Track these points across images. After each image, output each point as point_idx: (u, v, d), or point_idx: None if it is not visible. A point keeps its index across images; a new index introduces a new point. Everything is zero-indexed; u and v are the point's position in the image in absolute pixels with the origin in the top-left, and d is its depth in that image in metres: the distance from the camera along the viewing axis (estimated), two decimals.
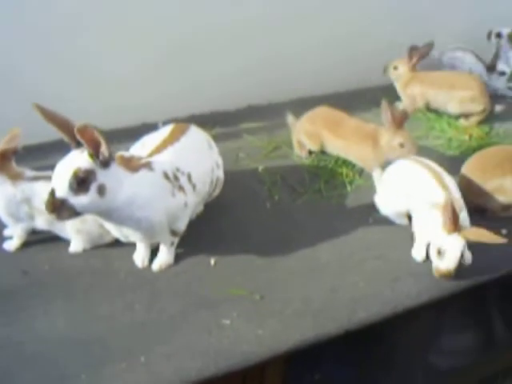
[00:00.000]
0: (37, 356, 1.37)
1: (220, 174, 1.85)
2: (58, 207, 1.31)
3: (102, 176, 1.35)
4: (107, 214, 1.45)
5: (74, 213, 1.34)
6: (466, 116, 2.58)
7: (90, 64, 2.20)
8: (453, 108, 2.57)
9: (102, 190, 1.35)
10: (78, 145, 1.35)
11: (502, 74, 2.86)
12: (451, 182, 1.77)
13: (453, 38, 2.89)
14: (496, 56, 2.86)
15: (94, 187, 1.34)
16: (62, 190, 1.31)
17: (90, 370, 1.34)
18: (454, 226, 1.57)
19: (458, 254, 1.56)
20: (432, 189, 1.72)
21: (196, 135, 1.80)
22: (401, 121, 1.98)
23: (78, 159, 1.34)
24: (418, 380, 2.25)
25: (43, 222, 1.68)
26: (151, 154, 1.60)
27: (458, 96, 2.54)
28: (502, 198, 1.89)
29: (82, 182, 1.32)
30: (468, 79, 2.61)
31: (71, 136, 1.34)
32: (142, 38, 2.25)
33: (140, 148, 1.69)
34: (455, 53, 2.90)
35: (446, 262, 1.58)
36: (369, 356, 2.07)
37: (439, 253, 1.58)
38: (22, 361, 1.36)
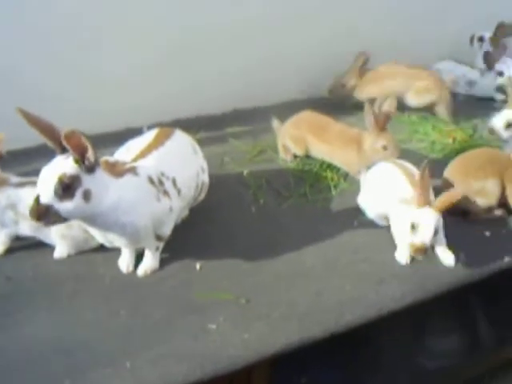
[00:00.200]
0: (21, 362, 1.36)
1: (205, 178, 1.85)
2: (43, 213, 1.30)
3: (87, 181, 1.35)
4: (92, 220, 1.44)
5: (59, 219, 1.33)
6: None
7: (76, 64, 2.20)
8: (411, 99, 2.61)
9: (87, 196, 1.34)
10: (63, 150, 1.35)
11: (501, 74, 2.89)
12: None
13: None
14: (487, 58, 2.88)
15: (79, 193, 1.33)
16: (47, 195, 1.31)
17: (75, 375, 1.33)
18: (425, 199, 1.59)
19: (432, 227, 1.57)
20: (402, 186, 1.74)
21: (181, 139, 1.80)
22: (383, 123, 2.00)
23: (63, 165, 1.33)
24: (404, 382, 2.25)
25: (28, 227, 1.67)
26: (136, 159, 1.59)
27: (414, 86, 2.59)
28: (484, 201, 1.91)
29: (67, 187, 1.31)
30: (420, 70, 2.66)
31: (56, 141, 1.33)
32: (129, 42, 2.26)
33: (125, 152, 1.69)
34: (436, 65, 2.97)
35: (420, 236, 1.58)
36: (355, 359, 2.08)
37: (413, 227, 1.58)
38: (6, 367, 1.35)
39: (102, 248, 1.68)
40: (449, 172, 1.99)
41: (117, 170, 1.46)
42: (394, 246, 1.78)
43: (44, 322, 1.48)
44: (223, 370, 1.38)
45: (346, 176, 2.18)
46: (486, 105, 2.84)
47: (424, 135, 2.52)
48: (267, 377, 1.66)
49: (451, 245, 1.72)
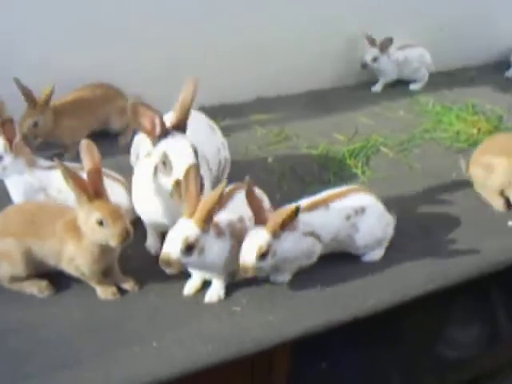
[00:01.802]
0: (50, 340, 1.40)
1: (227, 154, 1.87)
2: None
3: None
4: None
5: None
6: None
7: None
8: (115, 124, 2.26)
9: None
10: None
11: None
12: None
13: None
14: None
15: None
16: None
17: (103, 353, 1.37)
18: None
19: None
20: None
21: (197, 121, 1.78)
22: (95, 186, 1.42)
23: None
24: (424, 370, 2.27)
25: None
26: None
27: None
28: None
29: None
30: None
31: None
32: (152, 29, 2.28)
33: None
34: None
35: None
36: (375, 345, 2.10)
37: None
38: (36, 344, 1.39)
39: None
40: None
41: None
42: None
43: (72, 302, 1.52)
44: (247, 351, 1.41)
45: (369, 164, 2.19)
46: None
47: (448, 125, 2.51)
48: (288, 360, 1.68)
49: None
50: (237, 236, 1.50)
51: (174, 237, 1.39)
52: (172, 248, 1.38)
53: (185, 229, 1.39)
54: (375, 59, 2.75)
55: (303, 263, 1.59)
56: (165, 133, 1.49)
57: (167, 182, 1.47)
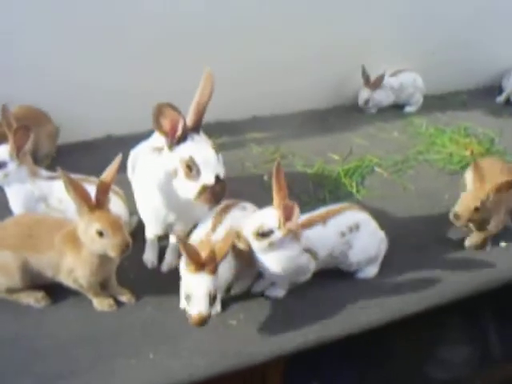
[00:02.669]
0: (48, 349, 1.41)
1: None
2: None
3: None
4: None
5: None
6: None
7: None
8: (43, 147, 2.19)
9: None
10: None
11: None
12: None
13: None
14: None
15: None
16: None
17: (100, 364, 1.38)
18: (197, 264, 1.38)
19: (205, 296, 1.37)
20: None
21: None
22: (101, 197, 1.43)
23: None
24: None
25: None
26: None
27: None
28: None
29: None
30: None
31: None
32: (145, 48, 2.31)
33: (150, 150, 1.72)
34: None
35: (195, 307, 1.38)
36: (366, 365, 2.11)
37: (188, 298, 1.39)
38: (34, 354, 1.40)
39: None
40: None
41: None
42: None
43: (69, 313, 1.53)
44: (243, 365, 1.43)
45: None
46: None
47: (442, 147, 2.56)
48: (281, 377, 1.69)
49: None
50: (237, 255, 1.53)
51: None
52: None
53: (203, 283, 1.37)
54: (367, 102, 2.82)
55: (298, 279, 1.61)
56: (185, 136, 1.50)
57: (192, 186, 1.47)
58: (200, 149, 1.49)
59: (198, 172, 1.47)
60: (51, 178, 1.70)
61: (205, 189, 1.46)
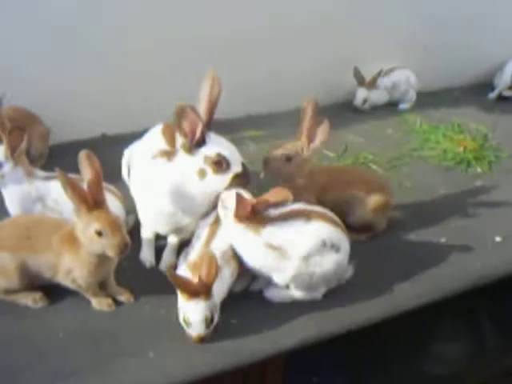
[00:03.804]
0: (49, 350, 1.41)
1: None
2: None
3: None
4: None
5: None
6: None
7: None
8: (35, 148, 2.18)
9: None
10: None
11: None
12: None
13: None
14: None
15: None
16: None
17: (100, 363, 1.37)
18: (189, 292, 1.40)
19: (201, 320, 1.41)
20: None
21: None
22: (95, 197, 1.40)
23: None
24: None
25: None
26: None
27: None
28: None
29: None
30: None
31: None
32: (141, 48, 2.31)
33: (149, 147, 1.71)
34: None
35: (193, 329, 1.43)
36: (363, 361, 2.12)
37: (185, 322, 1.43)
38: (35, 353, 1.40)
39: None
40: None
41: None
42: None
43: (68, 313, 1.53)
44: (242, 363, 1.43)
45: None
46: None
47: (436, 143, 2.57)
48: (281, 374, 1.70)
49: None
50: (232, 262, 1.55)
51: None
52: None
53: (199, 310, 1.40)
54: (365, 101, 2.84)
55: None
56: (203, 140, 1.55)
57: (223, 179, 1.57)
58: (221, 144, 1.59)
59: (228, 165, 1.56)
60: (48, 179, 1.69)
61: (235, 177, 1.57)
